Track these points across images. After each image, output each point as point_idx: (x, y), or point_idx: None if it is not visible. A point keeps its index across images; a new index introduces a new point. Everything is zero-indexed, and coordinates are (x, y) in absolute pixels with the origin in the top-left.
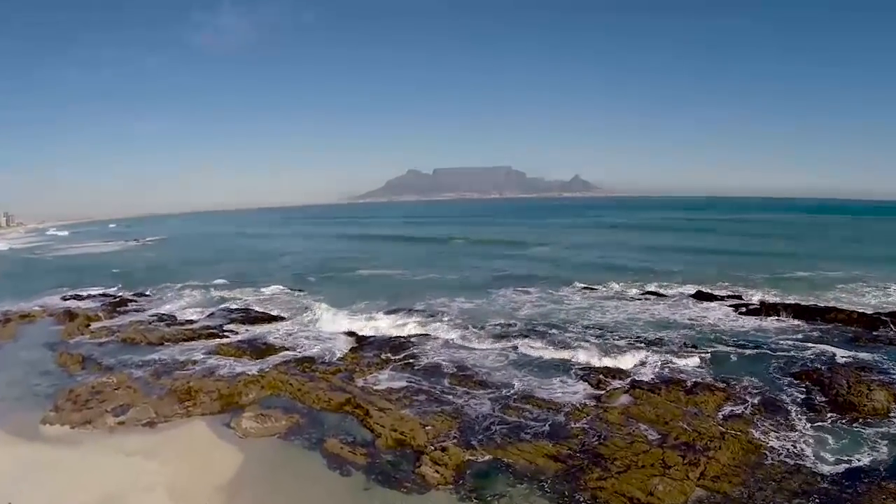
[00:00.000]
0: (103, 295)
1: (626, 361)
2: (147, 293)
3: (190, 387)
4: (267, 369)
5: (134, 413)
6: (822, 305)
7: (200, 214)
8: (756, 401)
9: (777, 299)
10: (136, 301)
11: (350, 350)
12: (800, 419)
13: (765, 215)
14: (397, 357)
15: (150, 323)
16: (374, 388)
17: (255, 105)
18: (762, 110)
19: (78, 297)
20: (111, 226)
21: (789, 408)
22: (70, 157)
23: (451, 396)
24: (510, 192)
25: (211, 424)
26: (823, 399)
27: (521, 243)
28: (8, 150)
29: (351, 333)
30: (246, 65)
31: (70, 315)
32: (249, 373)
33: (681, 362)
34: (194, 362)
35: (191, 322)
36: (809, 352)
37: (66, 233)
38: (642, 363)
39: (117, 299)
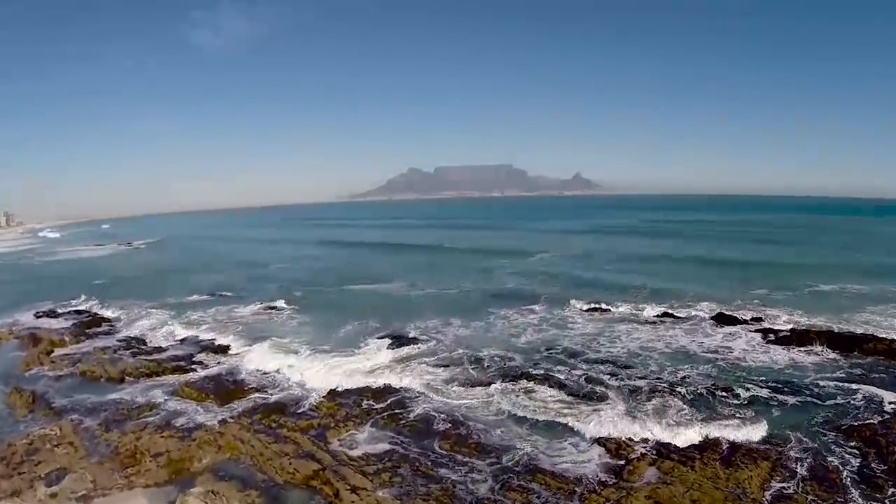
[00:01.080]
0: (77, 312)
1: (647, 415)
2: (123, 310)
3: (136, 447)
4: (230, 420)
5: (69, 482)
6: (858, 333)
7: (200, 214)
8: (805, 471)
9: (805, 321)
10: (109, 320)
11: (328, 394)
12: (860, 499)
13: (773, 216)
14: (381, 406)
15: (115, 351)
16: (350, 452)
17: (257, 104)
18: (764, 108)
19: (52, 314)
20: (104, 226)
21: (845, 480)
22: (71, 155)
23: (441, 469)
24: (511, 191)
25: (153, 501)
26: (882, 468)
27: (521, 252)
28: (8, 150)
29: (330, 376)
30: (246, 63)
31: (34, 339)
32: (209, 424)
33: (714, 422)
34: (153, 407)
35: (160, 350)
36: (855, 397)
37: (57, 234)
38: (666, 416)
39: (90, 318)
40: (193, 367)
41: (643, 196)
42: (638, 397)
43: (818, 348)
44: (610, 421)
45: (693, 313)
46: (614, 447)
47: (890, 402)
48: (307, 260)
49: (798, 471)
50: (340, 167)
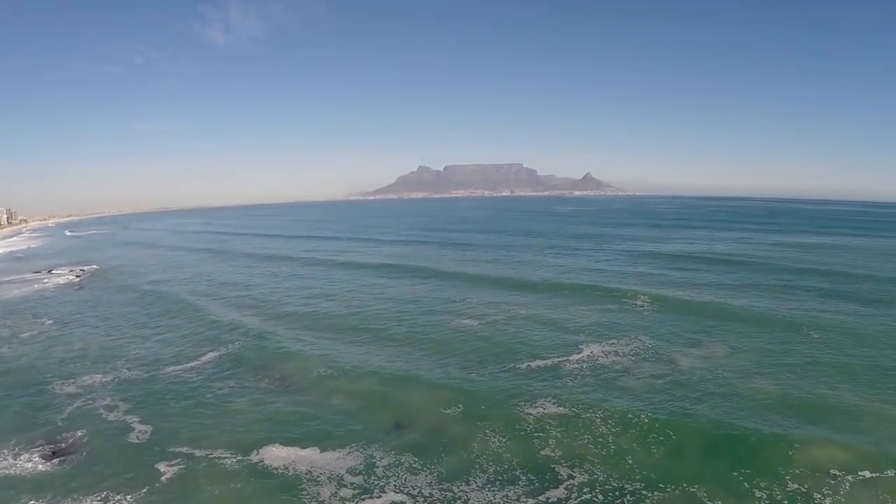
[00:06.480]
0: None
1: None
2: None
3: None
4: None
5: None
6: None
7: (199, 211)
8: None
9: None
10: None
11: None
12: None
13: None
14: None
15: None
16: None
17: (265, 101)
18: (773, 107)
19: None
20: (67, 232)
21: None
22: (78, 151)
23: None
24: (521, 190)
25: None
26: None
27: (557, 348)
28: (15, 146)
29: None
30: (256, 60)
31: None
32: None
33: None
34: None
35: None
36: None
37: (23, 246)
38: None
39: None
40: None
41: (655, 197)
42: None
43: None
44: None
45: None
46: None
47: None
48: (246, 344)
49: None
50: (350, 165)
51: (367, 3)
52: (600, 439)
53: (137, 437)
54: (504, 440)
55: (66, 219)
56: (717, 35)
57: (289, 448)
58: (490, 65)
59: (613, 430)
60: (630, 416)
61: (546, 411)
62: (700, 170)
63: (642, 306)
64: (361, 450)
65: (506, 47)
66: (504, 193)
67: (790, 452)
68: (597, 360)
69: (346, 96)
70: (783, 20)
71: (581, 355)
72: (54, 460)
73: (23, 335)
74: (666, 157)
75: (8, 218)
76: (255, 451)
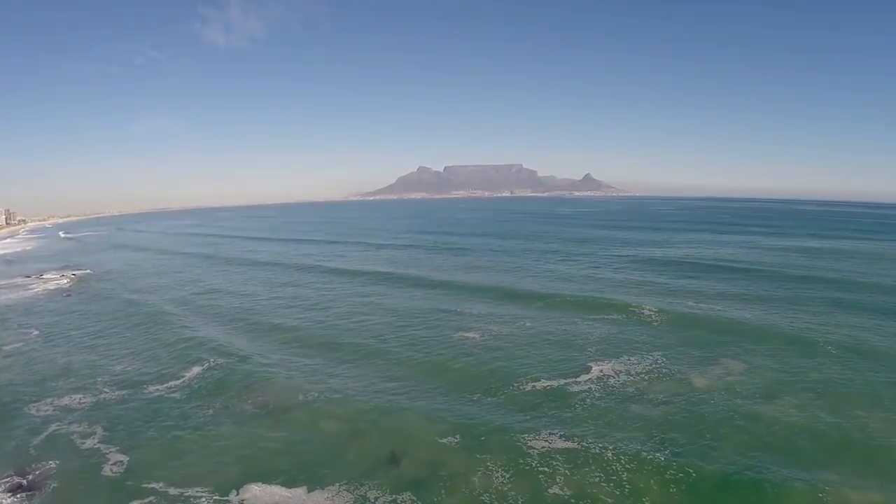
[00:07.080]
0: None
1: None
2: None
3: None
4: None
5: None
6: None
7: (196, 212)
8: None
9: None
10: None
11: None
12: None
13: None
14: None
15: None
16: None
17: (265, 102)
18: (773, 107)
19: None
20: (61, 234)
21: None
22: (78, 151)
23: None
24: (521, 191)
25: None
26: None
27: (552, 378)
28: (16, 148)
29: None
30: (256, 61)
31: None
32: None
33: None
34: None
35: None
36: None
37: (16, 249)
38: None
39: None
40: None
41: (656, 198)
42: None
43: None
44: None
45: None
46: None
47: None
48: (215, 370)
49: None
50: (350, 165)
51: (367, 3)
52: (613, 477)
53: (111, 470)
54: (508, 476)
55: (64, 219)
56: (718, 34)
57: (272, 487)
58: (490, 65)
59: (627, 465)
60: (645, 450)
61: (553, 445)
62: (700, 170)
63: (650, 318)
64: (353, 489)
65: (506, 47)
66: (504, 194)
67: (820, 495)
68: (607, 381)
69: (346, 96)
70: (784, 19)
71: (589, 375)
72: (20, 495)
73: (6, 347)
74: (666, 157)
75: (7, 219)
76: (234, 491)
